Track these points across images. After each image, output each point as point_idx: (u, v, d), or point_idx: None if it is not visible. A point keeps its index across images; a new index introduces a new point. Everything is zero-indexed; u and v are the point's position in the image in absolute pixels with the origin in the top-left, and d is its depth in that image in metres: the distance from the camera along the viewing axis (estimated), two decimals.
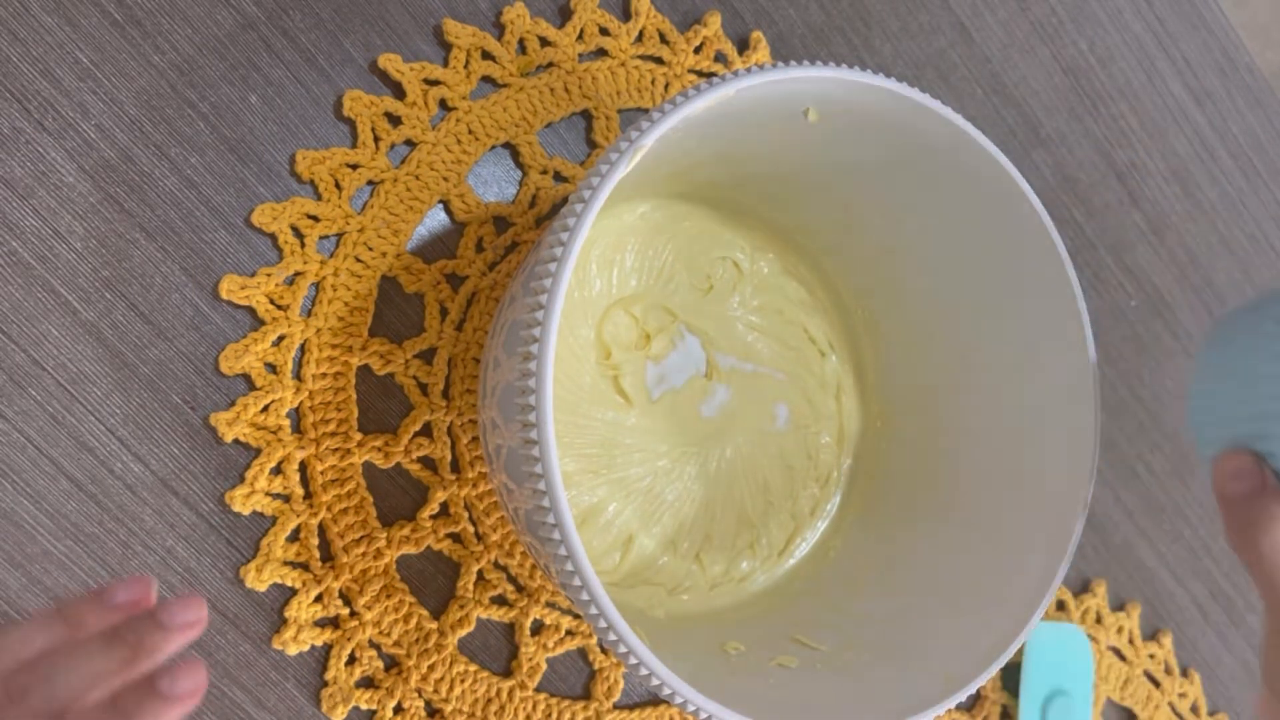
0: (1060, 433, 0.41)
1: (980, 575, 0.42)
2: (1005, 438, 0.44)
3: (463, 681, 0.43)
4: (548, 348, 0.30)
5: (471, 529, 0.43)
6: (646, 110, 0.48)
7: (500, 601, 0.44)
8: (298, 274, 0.42)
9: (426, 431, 0.43)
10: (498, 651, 0.44)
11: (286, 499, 0.41)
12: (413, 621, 0.42)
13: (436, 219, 0.44)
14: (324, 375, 0.42)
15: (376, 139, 0.43)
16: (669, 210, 0.45)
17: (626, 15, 0.48)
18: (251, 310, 0.41)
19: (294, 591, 0.41)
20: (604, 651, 0.45)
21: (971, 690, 0.37)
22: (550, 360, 0.30)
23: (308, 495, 0.41)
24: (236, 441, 0.41)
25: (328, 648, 0.41)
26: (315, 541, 0.41)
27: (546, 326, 0.30)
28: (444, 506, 0.43)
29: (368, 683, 0.42)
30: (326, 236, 0.42)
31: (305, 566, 0.41)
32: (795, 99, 0.37)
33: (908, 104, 0.37)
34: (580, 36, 0.47)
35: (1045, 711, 0.52)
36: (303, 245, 0.42)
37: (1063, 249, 0.40)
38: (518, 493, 0.35)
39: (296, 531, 0.41)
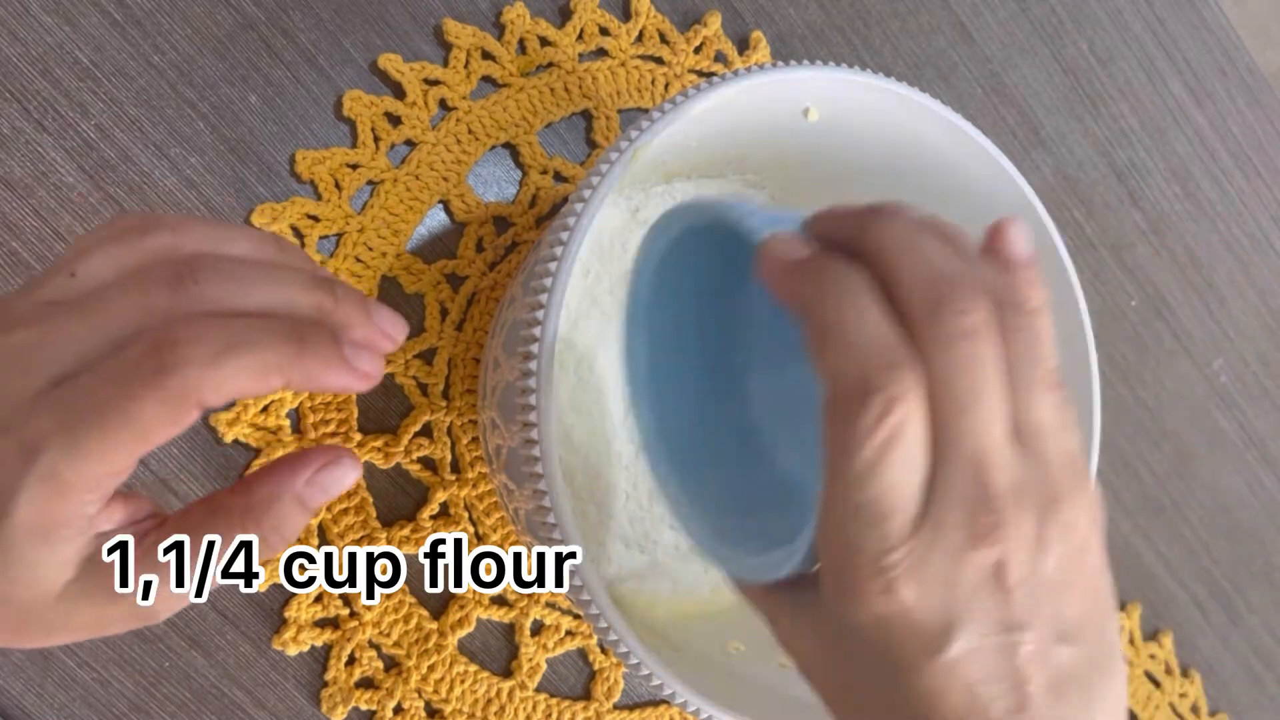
0: None
1: None
2: None
3: (463, 682, 0.43)
4: (547, 348, 0.30)
5: (472, 529, 0.43)
6: (646, 110, 0.48)
7: (500, 602, 0.44)
8: None
9: (426, 432, 0.43)
10: (498, 652, 0.44)
11: None
12: (412, 622, 0.42)
13: (436, 219, 0.44)
14: None
15: (376, 139, 0.43)
16: None
17: (626, 15, 0.48)
18: None
19: (294, 592, 0.41)
20: (604, 651, 0.45)
21: None
22: (551, 360, 0.30)
23: None
24: (236, 442, 0.41)
25: (327, 648, 0.41)
26: (315, 543, 0.41)
27: (546, 327, 0.30)
28: (444, 507, 0.43)
29: (367, 683, 0.42)
30: (326, 236, 0.42)
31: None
32: (795, 99, 0.37)
33: (907, 104, 0.37)
34: (580, 36, 0.47)
35: None
36: (302, 245, 0.42)
37: (1063, 249, 0.40)
38: (518, 493, 0.35)
39: None
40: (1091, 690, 0.23)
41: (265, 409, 0.41)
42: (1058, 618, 0.23)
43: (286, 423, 0.41)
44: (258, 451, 0.41)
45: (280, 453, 0.41)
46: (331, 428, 0.41)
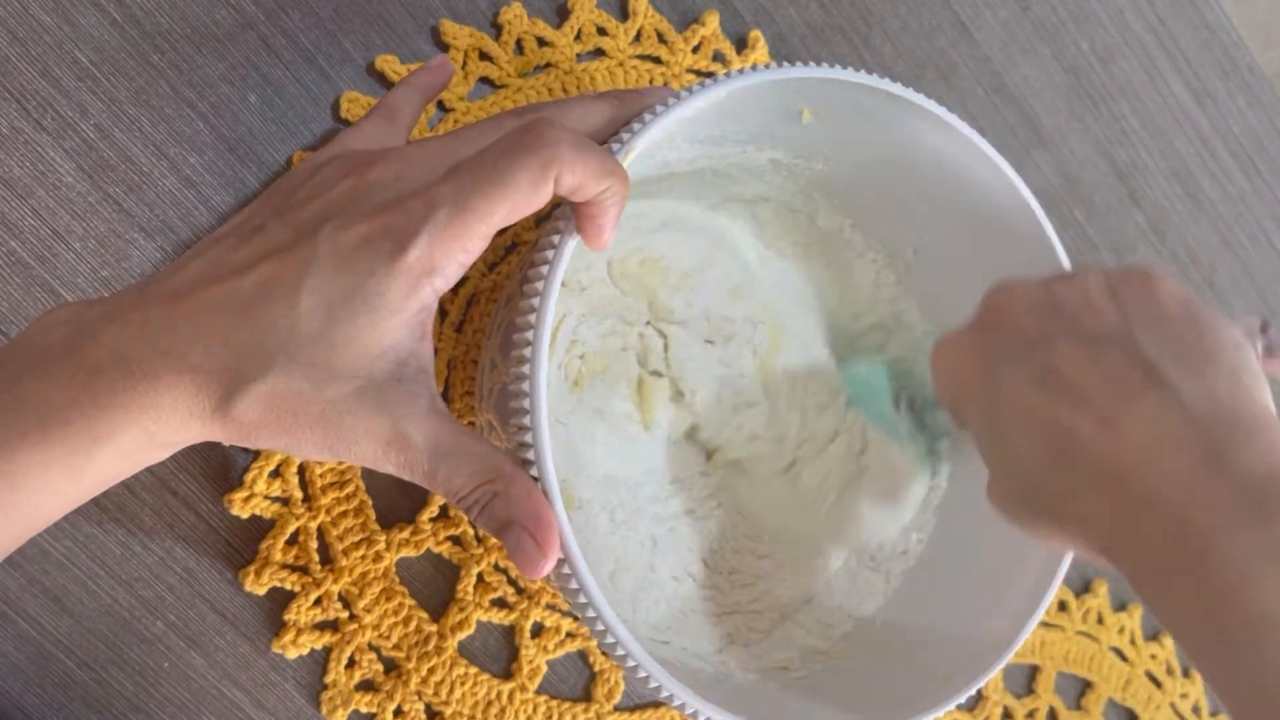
0: None
1: (980, 575, 0.42)
2: None
3: (463, 684, 0.43)
4: (540, 350, 0.30)
5: (471, 531, 0.43)
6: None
7: (500, 604, 0.44)
8: None
9: None
10: (498, 654, 0.44)
11: (285, 502, 0.41)
12: (412, 624, 0.42)
13: None
14: None
15: None
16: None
17: (624, 15, 0.48)
18: None
19: (293, 594, 0.41)
20: (604, 653, 0.45)
21: (971, 690, 0.37)
22: (544, 362, 0.30)
23: (307, 498, 0.41)
24: (234, 447, 0.40)
25: (327, 650, 0.41)
26: (314, 545, 0.41)
27: (539, 330, 0.30)
28: (443, 509, 0.43)
29: (367, 685, 0.42)
30: None
31: (304, 570, 0.41)
32: (791, 99, 0.37)
33: (903, 105, 0.37)
34: (578, 36, 0.47)
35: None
36: None
37: (1062, 250, 0.40)
38: None
39: (295, 535, 0.41)
40: None
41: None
42: None
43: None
44: (257, 454, 0.41)
45: (279, 456, 0.40)
46: None
